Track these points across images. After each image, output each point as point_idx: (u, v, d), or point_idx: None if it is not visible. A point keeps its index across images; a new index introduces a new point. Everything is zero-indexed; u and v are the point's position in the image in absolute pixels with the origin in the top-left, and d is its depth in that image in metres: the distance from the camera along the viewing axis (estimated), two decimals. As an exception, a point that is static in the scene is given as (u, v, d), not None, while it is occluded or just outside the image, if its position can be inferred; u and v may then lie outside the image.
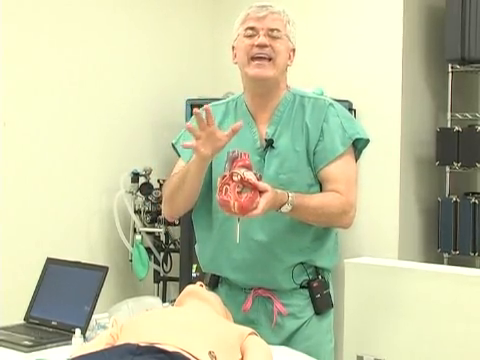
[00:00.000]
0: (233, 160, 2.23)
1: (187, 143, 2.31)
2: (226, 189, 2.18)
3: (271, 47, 2.39)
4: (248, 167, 2.22)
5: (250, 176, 2.19)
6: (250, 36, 2.41)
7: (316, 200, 2.39)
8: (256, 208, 2.19)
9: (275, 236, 2.42)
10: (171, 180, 2.50)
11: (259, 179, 2.21)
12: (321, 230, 2.48)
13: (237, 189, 2.17)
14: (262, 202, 2.19)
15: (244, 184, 2.18)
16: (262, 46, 2.38)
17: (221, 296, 2.42)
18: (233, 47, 2.50)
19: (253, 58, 2.40)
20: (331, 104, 2.49)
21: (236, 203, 2.16)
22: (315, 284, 2.49)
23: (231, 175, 2.18)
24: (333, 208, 2.40)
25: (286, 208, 2.30)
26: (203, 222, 2.53)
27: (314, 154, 2.43)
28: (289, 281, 2.47)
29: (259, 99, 2.49)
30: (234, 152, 2.24)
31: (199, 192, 2.46)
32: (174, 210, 2.53)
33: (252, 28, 2.41)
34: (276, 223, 2.41)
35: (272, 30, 2.40)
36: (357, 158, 2.52)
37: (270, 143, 2.44)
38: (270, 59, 2.40)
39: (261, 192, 2.21)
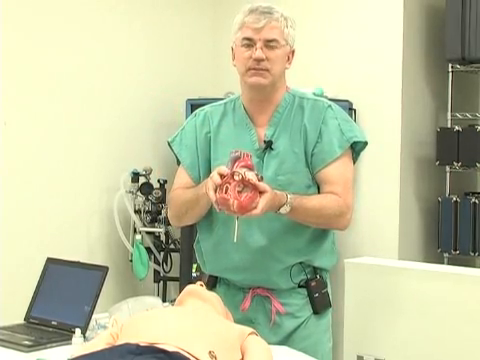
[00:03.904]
0: (235, 160, 2.24)
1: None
2: (226, 188, 2.20)
3: (267, 59, 2.40)
4: (250, 167, 2.23)
5: (251, 176, 2.20)
6: (247, 46, 2.41)
7: (314, 202, 2.40)
8: (256, 208, 2.20)
9: (273, 237, 2.43)
10: (177, 198, 2.53)
11: (260, 180, 2.22)
12: (318, 231, 2.49)
13: (237, 188, 2.19)
14: (262, 202, 2.20)
15: (245, 184, 2.19)
16: (259, 60, 2.39)
17: (219, 295, 2.42)
18: (232, 48, 2.50)
19: (250, 69, 2.42)
20: (330, 106, 2.49)
21: (235, 202, 2.18)
22: (313, 283, 2.50)
23: (232, 174, 2.20)
24: (331, 210, 2.41)
25: (285, 209, 2.31)
26: (204, 223, 2.54)
27: (312, 156, 2.44)
28: (287, 280, 2.47)
29: (257, 103, 2.50)
30: (236, 152, 2.26)
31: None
32: (183, 224, 2.68)
33: (249, 39, 2.41)
34: (274, 224, 2.41)
35: (269, 41, 2.40)
36: (355, 160, 2.53)
37: (269, 145, 2.45)
38: (266, 70, 2.41)
39: (261, 192, 2.21)
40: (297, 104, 2.49)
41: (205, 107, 2.60)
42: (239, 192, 2.19)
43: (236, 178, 2.19)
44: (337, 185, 2.43)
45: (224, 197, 2.20)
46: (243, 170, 2.20)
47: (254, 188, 2.20)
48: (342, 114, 2.52)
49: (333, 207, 2.41)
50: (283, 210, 2.31)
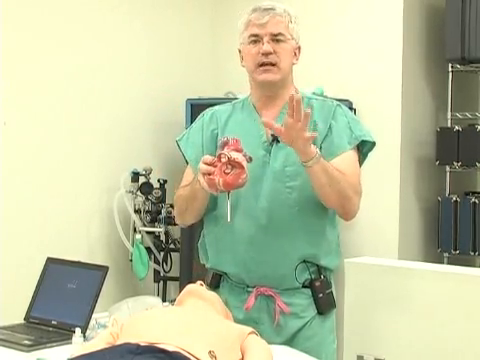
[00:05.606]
0: (224, 145, 2.30)
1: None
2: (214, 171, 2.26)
3: (275, 53, 2.44)
4: (239, 151, 2.28)
5: (237, 156, 2.24)
6: (254, 42, 2.46)
7: (335, 169, 2.39)
8: (244, 183, 2.24)
9: (280, 225, 2.43)
10: (179, 195, 2.56)
11: (249, 160, 2.28)
12: (328, 226, 2.50)
13: (226, 170, 2.24)
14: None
15: (232, 164, 2.24)
16: (267, 54, 2.43)
17: (223, 295, 2.42)
18: (239, 50, 2.54)
19: (259, 65, 2.45)
20: (339, 105, 2.54)
21: (221, 179, 2.24)
22: (317, 283, 2.50)
23: (219, 156, 2.25)
24: (346, 183, 2.40)
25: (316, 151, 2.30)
26: (210, 216, 2.56)
27: (321, 149, 2.45)
28: (292, 278, 2.47)
29: (266, 99, 2.53)
30: (224, 138, 2.32)
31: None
32: (187, 222, 2.64)
33: (256, 35, 2.45)
34: (282, 211, 2.42)
35: (275, 35, 2.44)
36: (362, 162, 2.53)
37: (276, 137, 2.46)
38: (275, 64, 2.45)
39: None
40: (306, 103, 2.50)
41: (214, 107, 2.65)
42: (227, 173, 2.24)
43: (223, 160, 2.24)
44: (347, 170, 2.43)
45: (210, 178, 2.26)
46: (230, 152, 2.25)
47: (241, 167, 2.24)
48: (351, 114, 2.57)
49: (348, 181, 2.41)
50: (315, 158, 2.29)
